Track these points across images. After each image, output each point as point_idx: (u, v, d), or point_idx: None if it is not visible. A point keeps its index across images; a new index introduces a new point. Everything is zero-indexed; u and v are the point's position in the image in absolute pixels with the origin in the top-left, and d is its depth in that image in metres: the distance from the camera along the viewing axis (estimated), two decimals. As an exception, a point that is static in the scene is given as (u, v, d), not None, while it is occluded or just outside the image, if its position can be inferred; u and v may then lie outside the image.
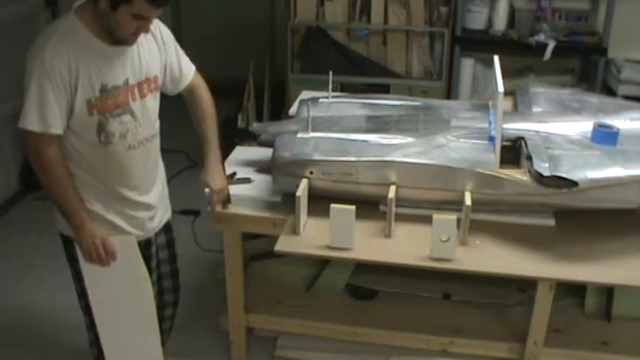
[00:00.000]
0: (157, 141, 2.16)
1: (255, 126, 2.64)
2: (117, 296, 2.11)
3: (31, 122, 1.85)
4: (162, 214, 2.26)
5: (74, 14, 1.90)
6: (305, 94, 3.12)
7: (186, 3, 5.38)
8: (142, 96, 2.03)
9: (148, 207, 2.16)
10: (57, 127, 1.88)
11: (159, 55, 2.10)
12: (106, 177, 2.03)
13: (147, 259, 2.19)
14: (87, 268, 2.06)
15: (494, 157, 2.19)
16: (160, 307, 2.39)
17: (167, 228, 2.33)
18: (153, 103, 2.10)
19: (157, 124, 2.14)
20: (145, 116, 2.05)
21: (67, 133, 1.94)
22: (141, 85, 2.02)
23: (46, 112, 1.85)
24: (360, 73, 3.99)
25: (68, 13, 1.91)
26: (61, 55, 1.83)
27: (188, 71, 2.23)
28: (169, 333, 2.51)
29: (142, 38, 2.01)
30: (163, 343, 2.50)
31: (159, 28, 2.11)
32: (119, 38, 1.90)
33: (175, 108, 2.33)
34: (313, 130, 2.37)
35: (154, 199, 2.18)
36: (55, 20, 1.97)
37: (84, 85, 1.88)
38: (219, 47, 5.35)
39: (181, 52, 2.20)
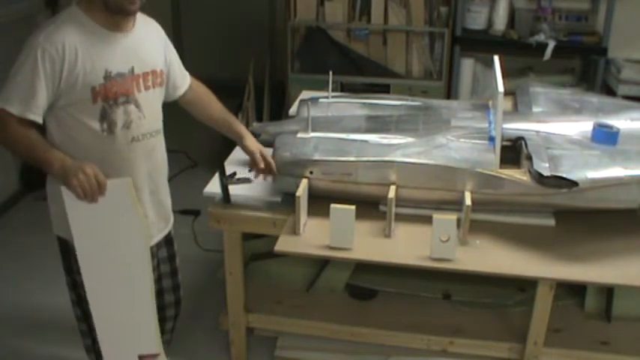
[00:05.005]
0: (161, 140, 2.14)
1: (255, 126, 2.64)
2: (109, 250, 1.97)
3: (12, 105, 1.83)
4: (160, 227, 2.22)
5: (76, 5, 1.91)
6: (305, 94, 3.13)
7: (186, 3, 5.38)
8: (147, 88, 2.02)
9: (144, 214, 2.10)
10: (36, 115, 1.86)
11: (163, 51, 2.12)
12: (107, 173, 1.96)
13: None
14: (75, 218, 1.91)
15: (495, 157, 2.19)
16: (161, 321, 2.38)
17: (169, 241, 2.31)
18: (157, 98, 2.10)
19: (161, 123, 2.13)
20: (149, 110, 2.04)
21: (67, 123, 1.93)
22: (146, 77, 2.02)
23: (29, 100, 1.84)
24: (360, 73, 3.99)
25: (70, 6, 1.92)
26: (56, 42, 1.83)
27: (185, 74, 2.28)
28: (169, 344, 2.50)
29: (146, 31, 2.02)
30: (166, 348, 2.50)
31: (159, 27, 2.13)
32: (117, 7, 1.89)
33: (175, 108, 2.33)
34: (313, 130, 2.37)
35: (152, 208, 2.15)
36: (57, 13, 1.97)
37: (86, 72, 1.87)
38: (219, 47, 5.36)
39: (178, 56, 2.24)
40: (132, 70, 1.97)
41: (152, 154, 2.10)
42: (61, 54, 1.83)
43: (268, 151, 2.34)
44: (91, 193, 1.86)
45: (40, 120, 1.88)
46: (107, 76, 1.91)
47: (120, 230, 1.98)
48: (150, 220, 2.14)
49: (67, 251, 2.07)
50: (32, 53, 1.82)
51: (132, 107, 1.98)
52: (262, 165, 2.26)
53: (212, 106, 2.31)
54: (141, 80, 2.00)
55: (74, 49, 1.85)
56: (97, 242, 1.97)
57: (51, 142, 1.94)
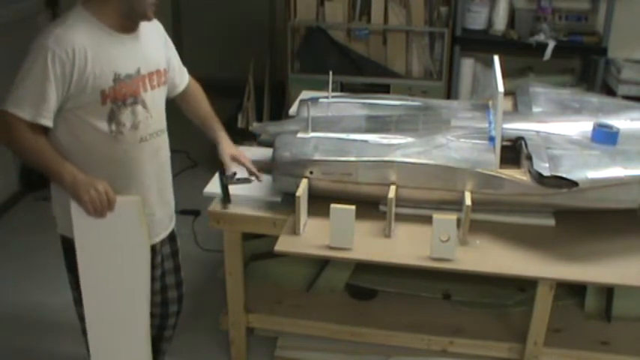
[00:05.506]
0: (165, 138, 2.16)
1: (255, 126, 2.64)
2: (111, 265, 2.00)
3: (23, 110, 1.83)
4: (166, 224, 2.25)
5: (81, 6, 1.91)
6: (305, 94, 3.12)
7: (186, 3, 5.38)
8: (152, 87, 2.03)
9: (152, 212, 2.13)
10: (47, 119, 1.86)
11: (164, 49, 2.14)
12: (116, 173, 1.99)
13: (151, 267, 2.19)
14: (81, 231, 1.94)
15: (495, 157, 2.19)
16: (164, 317, 2.40)
17: (172, 238, 2.32)
18: (162, 97, 2.12)
19: (165, 121, 2.15)
20: (156, 109, 2.06)
21: (75, 125, 1.92)
22: (151, 76, 2.03)
23: (41, 105, 1.83)
24: (360, 73, 3.99)
25: (75, 6, 1.92)
26: (66, 45, 1.82)
27: (184, 72, 2.29)
28: (170, 341, 2.52)
29: (148, 30, 2.03)
30: (164, 352, 2.52)
31: (159, 25, 2.13)
32: (140, 13, 1.91)
33: (176, 108, 2.34)
34: (313, 130, 2.37)
35: (159, 206, 2.17)
36: (62, 14, 1.96)
37: (96, 75, 1.87)
38: (219, 47, 5.36)
39: (177, 53, 2.25)
40: (138, 71, 1.97)
41: (158, 153, 2.12)
42: (71, 58, 1.83)
43: (268, 152, 2.34)
44: (101, 209, 1.90)
45: (51, 124, 1.88)
46: (116, 79, 1.91)
47: (123, 247, 2.00)
48: (156, 218, 2.16)
49: (73, 250, 2.07)
50: (41, 56, 1.81)
51: (139, 108, 1.99)
52: (231, 172, 2.30)
53: (201, 106, 2.34)
54: (147, 80, 2.01)
55: (84, 52, 1.85)
56: (100, 256, 2.00)
57: (57, 144, 1.94)
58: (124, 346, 2.14)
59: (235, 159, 2.32)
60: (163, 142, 2.15)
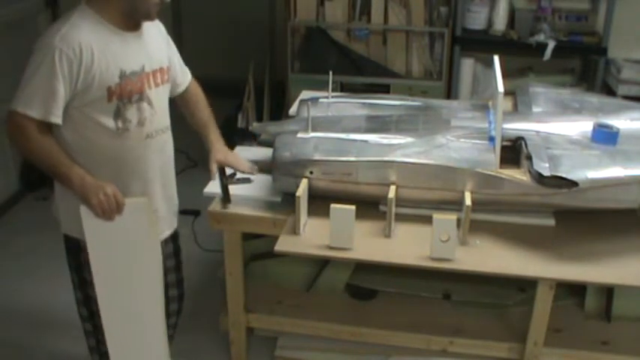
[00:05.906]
0: (170, 136, 2.17)
1: (255, 126, 2.64)
2: (123, 268, 2.03)
3: (33, 109, 1.84)
4: (170, 222, 2.26)
5: (86, 4, 1.91)
6: (305, 94, 3.12)
7: (186, 3, 5.38)
8: (156, 85, 2.05)
9: (156, 208, 2.13)
10: (57, 117, 1.87)
11: (166, 48, 2.15)
12: (121, 170, 2.00)
13: None
14: (92, 234, 1.96)
15: (495, 157, 2.19)
16: (166, 315, 2.40)
17: (174, 237, 2.33)
18: (165, 94, 2.13)
19: (169, 119, 2.16)
20: (160, 106, 2.07)
21: (81, 122, 1.93)
22: (155, 74, 2.05)
23: (50, 103, 1.84)
24: (360, 73, 3.99)
25: (79, 5, 1.92)
26: (73, 43, 1.83)
27: (186, 72, 2.30)
28: (172, 340, 2.51)
29: (150, 29, 2.04)
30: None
31: (160, 25, 2.14)
32: (143, 13, 1.92)
33: (176, 108, 2.34)
34: (313, 130, 2.37)
35: (163, 202, 2.18)
36: (65, 13, 1.97)
37: (102, 72, 1.88)
38: (219, 47, 5.36)
39: (178, 53, 2.26)
40: (143, 68, 1.99)
41: (164, 150, 2.14)
42: (78, 55, 1.84)
43: (268, 152, 2.34)
44: (110, 212, 1.91)
45: (60, 122, 1.89)
46: (122, 75, 1.93)
47: (134, 247, 2.02)
48: (160, 215, 2.17)
49: (77, 250, 2.07)
50: (49, 55, 1.82)
51: (144, 105, 2.01)
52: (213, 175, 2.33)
53: (200, 109, 2.35)
54: (151, 78, 2.03)
55: (90, 49, 1.86)
56: (112, 257, 2.00)
57: (63, 142, 1.94)
58: (142, 344, 2.15)
59: (221, 163, 2.32)
60: (168, 139, 2.17)
